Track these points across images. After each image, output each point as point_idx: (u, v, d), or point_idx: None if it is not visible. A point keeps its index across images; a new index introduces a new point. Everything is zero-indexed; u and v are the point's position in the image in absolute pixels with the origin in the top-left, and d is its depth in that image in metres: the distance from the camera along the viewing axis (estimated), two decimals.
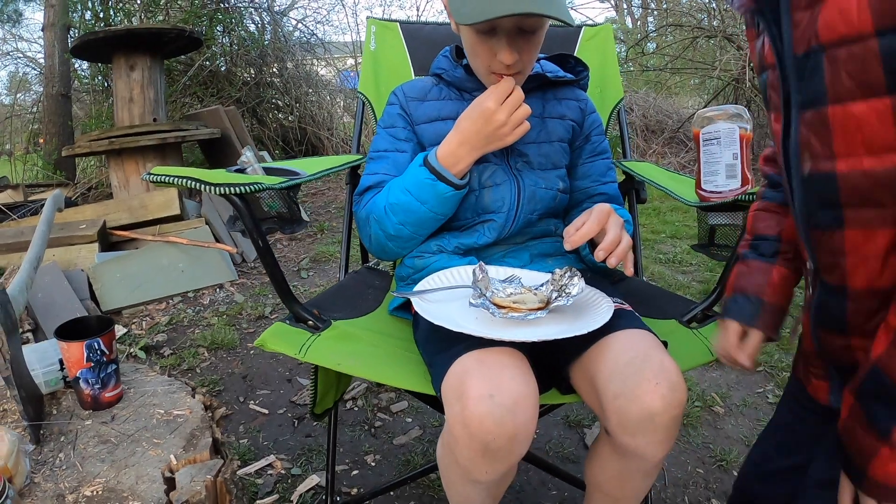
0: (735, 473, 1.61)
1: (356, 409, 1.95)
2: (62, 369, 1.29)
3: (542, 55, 1.27)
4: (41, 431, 1.07)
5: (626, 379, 0.86)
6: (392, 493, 1.55)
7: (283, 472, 1.64)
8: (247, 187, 0.97)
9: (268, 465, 1.66)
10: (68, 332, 1.24)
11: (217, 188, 0.95)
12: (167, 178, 0.97)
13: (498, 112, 1.05)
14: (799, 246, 0.84)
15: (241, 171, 1.11)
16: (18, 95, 8.25)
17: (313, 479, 1.58)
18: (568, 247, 0.97)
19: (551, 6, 0.99)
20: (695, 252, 1.42)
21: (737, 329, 0.93)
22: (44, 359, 1.29)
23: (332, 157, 1.47)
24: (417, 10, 9.97)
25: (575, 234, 0.96)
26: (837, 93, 0.61)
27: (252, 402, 2.03)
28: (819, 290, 0.74)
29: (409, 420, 1.89)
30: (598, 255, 0.95)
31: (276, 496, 1.54)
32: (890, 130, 0.58)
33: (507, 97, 1.06)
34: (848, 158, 0.62)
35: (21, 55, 8.20)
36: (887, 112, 0.58)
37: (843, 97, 0.60)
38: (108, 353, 1.20)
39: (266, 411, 1.97)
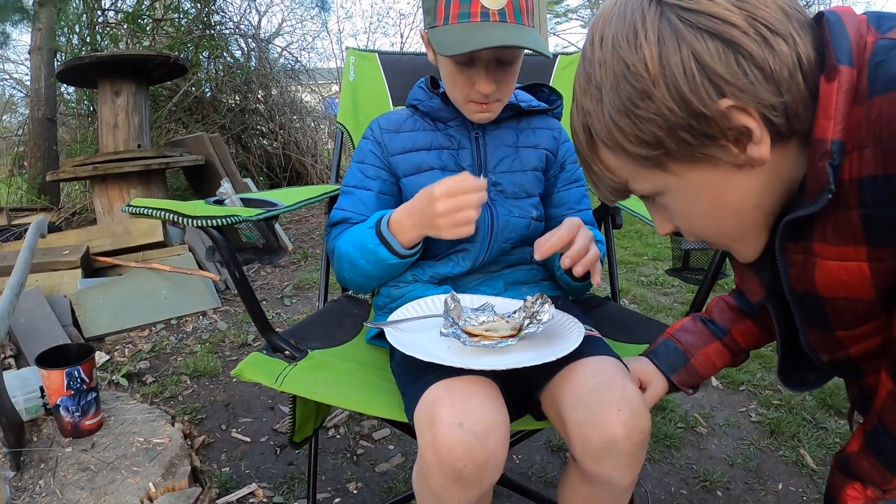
0: (719, 493, 1.63)
1: (338, 436, 1.96)
2: (43, 396, 1.30)
3: (517, 84, 1.31)
4: (21, 458, 1.08)
5: (590, 406, 0.88)
6: None
7: (265, 500, 1.63)
8: (224, 220, 0.99)
9: (249, 494, 1.66)
10: (49, 359, 1.25)
11: (194, 220, 0.97)
12: (146, 211, 0.99)
13: (439, 201, 0.99)
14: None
15: (220, 202, 1.14)
16: (4, 117, 8.22)
17: None
18: (538, 257, 0.98)
19: (529, 39, 1.03)
20: None
21: (646, 372, 1.00)
22: (25, 386, 1.29)
23: (310, 188, 1.49)
24: (401, 36, 10.04)
25: (545, 244, 0.98)
26: (843, 323, 0.69)
27: (234, 430, 2.02)
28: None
29: (392, 447, 1.89)
30: (565, 261, 0.97)
31: None
32: (891, 324, 0.66)
33: (460, 193, 0.99)
34: (860, 345, 0.71)
35: (7, 77, 8.16)
36: (884, 321, 0.67)
37: (851, 326, 0.69)
38: (88, 381, 1.21)
39: (248, 439, 1.96)
